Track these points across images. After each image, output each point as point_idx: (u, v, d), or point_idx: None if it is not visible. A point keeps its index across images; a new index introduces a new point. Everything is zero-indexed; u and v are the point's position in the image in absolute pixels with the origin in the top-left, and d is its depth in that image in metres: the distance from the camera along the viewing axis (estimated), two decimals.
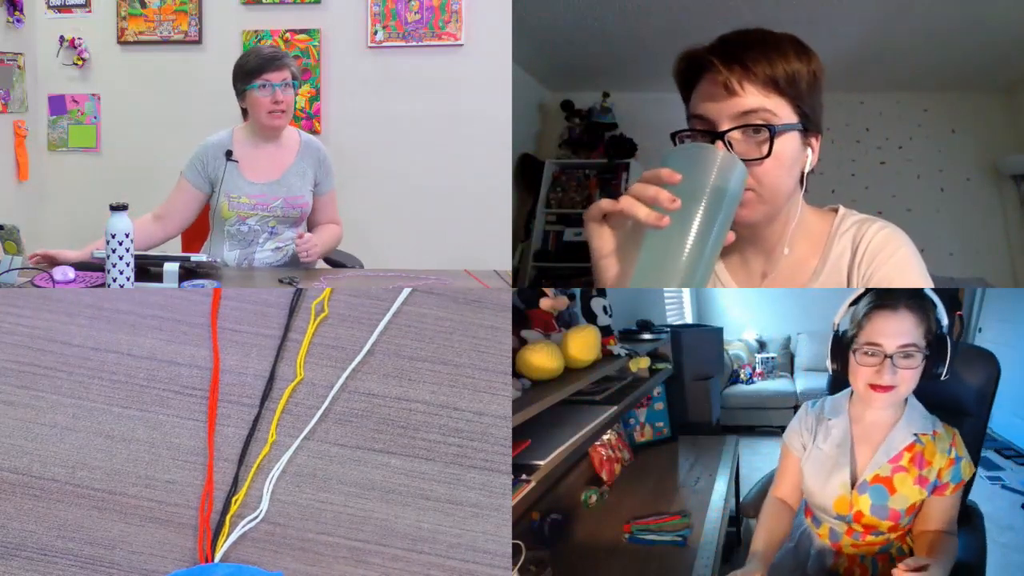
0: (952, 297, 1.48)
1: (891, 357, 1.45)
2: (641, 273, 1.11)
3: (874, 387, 1.48)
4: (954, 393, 1.58)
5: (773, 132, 1.20)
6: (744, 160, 1.18)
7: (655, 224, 1.09)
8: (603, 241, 1.17)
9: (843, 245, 1.31)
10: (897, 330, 1.45)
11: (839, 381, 1.66)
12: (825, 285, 1.32)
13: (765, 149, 1.20)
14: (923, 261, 1.30)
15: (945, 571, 1.43)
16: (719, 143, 1.20)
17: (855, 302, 1.54)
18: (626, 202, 1.12)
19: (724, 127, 1.21)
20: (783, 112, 1.21)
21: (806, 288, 1.35)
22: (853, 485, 1.56)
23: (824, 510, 1.62)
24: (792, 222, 1.31)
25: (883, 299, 1.48)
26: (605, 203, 1.16)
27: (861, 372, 1.49)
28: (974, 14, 3.12)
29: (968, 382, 1.71)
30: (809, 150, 1.26)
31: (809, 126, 1.25)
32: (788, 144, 1.22)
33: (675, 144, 1.27)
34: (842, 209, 1.37)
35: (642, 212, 1.10)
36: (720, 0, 3.04)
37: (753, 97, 1.20)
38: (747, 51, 1.21)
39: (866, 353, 1.47)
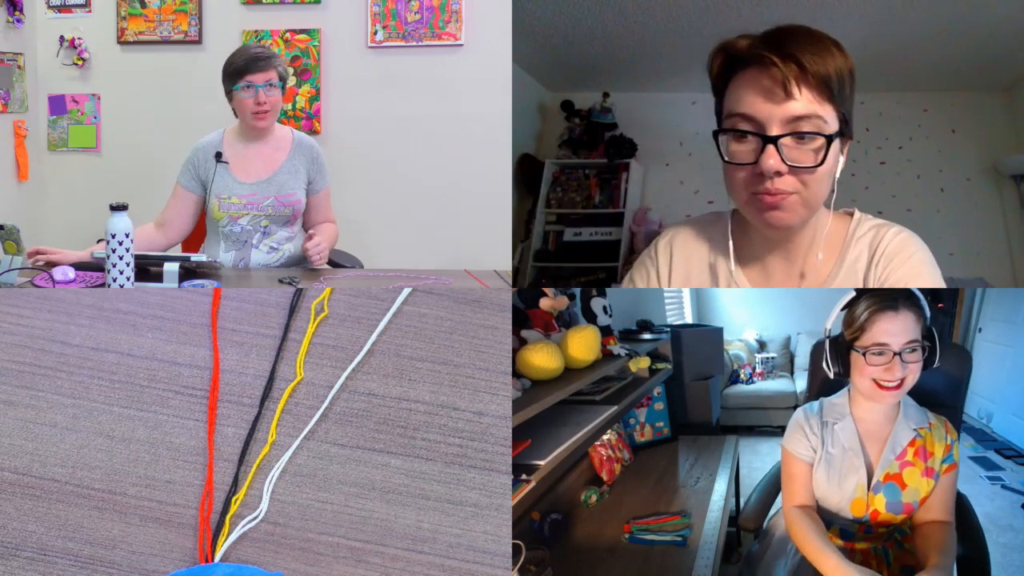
0: (934, 292, 1.55)
1: (899, 354, 1.51)
2: None
3: (882, 386, 1.53)
4: (931, 387, 1.65)
5: (831, 140, 1.22)
6: (794, 167, 1.21)
7: None
8: None
9: (859, 249, 1.34)
10: (902, 328, 1.51)
11: (819, 384, 1.69)
12: (842, 282, 1.34)
13: (818, 157, 1.22)
14: (937, 265, 1.31)
15: (952, 564, 1.51)
16: (769, 147, 1.21)
17: (847, 306, 1.58)
18: None
19: (774, 131, 1.21)
20: (830, 119, 1.23)
21: (806, 288, 1.36)
22: (868, 486, 1.60)
23: (839, 513, 1.64)
24: (823, 228, 1.34)
25: (883, 301, 1.52)
26: None
27: (868, 371, 1.53)
28: (974, 14, 3.11)
29: (944, 376, 1.78)
30: (841, 155, 1.28)
31: (846, 131, 1.26)
32: (833, 151, 1.24)
33: (717, 144, 1.27)
34: (857, 213, 1.39)
35: None
36: (720, 0, 3.04)
37: (808, 103, 1.21)
38: (799, 46, 1.21)
39: (875, 353, 1.52)
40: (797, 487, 1.68)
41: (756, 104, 1.23)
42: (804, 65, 1.20)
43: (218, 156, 2.51)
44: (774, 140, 1.21)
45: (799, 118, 1.21)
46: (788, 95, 1.20)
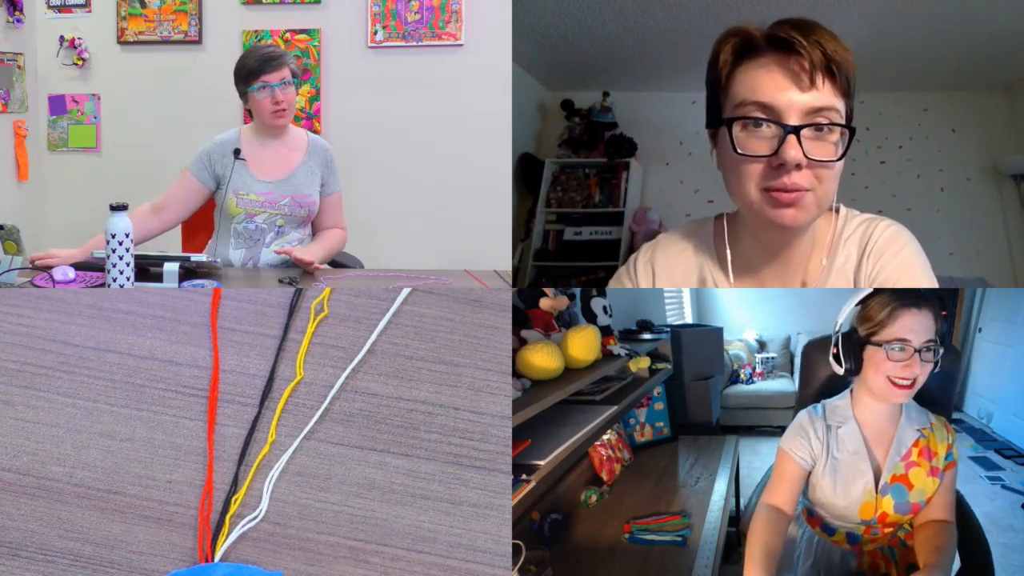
0: (939, 297, 1.53)
1: (919, 352, 1.48)
2: None
3: (896, 384, 1.50)
4: (926, 384, 1.59)
5: (853, 133, 1.18)
6: (813, 159, 1.16)
7: None
8: None
9: (849, 249, 1.32)
10: (923, 326, 1.49)
11: (811, 385, 1.70)
12: (832, 286, 1.33)
13: (837, 150, 1.18)
14: (926, 258, 1.31)
15: (950, 564, 1.51)
16: (790, 137, 1.16)
17: (861, 302, 1.55)
18: None
19: (793, 121, 1.16)
20: (843, 113, 1.20)
21: (806, 288, 1.35)
22: (876, 488, 1.58)
23: (846, 518, 1.62)
24: (823, 235, 1.32)
25: (906, 298, 1.50)
26: None
27: (886, 368, 1.50)
28: (974, 14, 3.11)
29: (938, 372, 1.74)
30: None
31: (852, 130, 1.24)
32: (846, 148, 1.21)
33: (728, 135, 1.20)
34: (843, 209, 1.37)
35: None
36: (720, 0, 3.04)
37: (827, 94, 1.17)
38: (820, 34, 1.17)
39: (896, 349, 1.49)
40: (782, 487, 1.63)
41: (774, 92, 1.17)
42: (828, 53, 1.15)
43: (237, 153, 2.51)
44: (796, 130, 1.15)
45: (818, 109, 1.16)
46: (812, 83, 1.15)
